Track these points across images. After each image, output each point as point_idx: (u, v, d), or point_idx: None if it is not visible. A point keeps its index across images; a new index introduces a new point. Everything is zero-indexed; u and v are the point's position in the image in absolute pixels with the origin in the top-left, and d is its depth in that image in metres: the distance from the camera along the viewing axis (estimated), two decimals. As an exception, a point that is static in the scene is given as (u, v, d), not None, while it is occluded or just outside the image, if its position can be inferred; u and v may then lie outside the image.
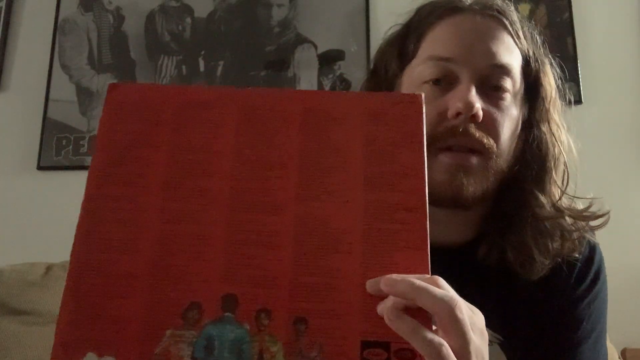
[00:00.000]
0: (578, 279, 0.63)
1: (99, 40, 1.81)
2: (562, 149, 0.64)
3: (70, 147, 1.71)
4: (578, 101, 1.61)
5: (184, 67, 1.76)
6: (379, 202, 0.46)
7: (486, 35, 0.60)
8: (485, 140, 0.59)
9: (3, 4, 1.84)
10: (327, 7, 1.75)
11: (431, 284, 0.41)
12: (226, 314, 0.43)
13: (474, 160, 0.58)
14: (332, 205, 0.46)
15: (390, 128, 0.48)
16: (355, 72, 1.66)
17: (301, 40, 1.74)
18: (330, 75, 1.71)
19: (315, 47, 1.73)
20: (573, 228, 0.63)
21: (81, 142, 1.71)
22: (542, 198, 0.62)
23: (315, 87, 1.70)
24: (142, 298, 0.43)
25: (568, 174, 0.64)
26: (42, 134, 1.72)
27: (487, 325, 0.60)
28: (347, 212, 0.45)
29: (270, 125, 0.48)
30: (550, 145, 0.63)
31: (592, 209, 0.64)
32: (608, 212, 0.63)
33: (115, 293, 0.43)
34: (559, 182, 0.64)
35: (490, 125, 0.59)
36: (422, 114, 0.48)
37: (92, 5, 1.83)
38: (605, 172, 1.59)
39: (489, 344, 0.59)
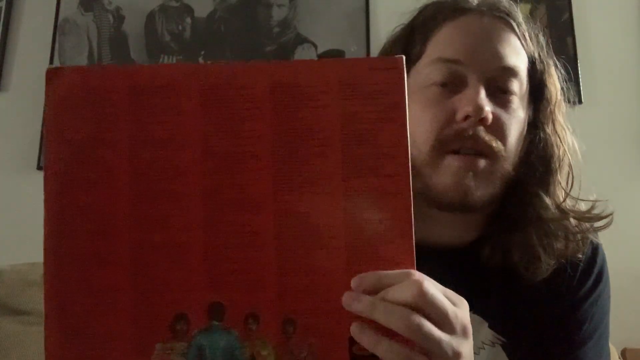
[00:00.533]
0: (580, 280, 0.63)
1: (99, 40, 1.81)
2: (567, 150, 0.64)
3: (70, 147, 1.71)
4: (578, 101, 1.61)
5: (184, 67, 1.76)
6: (360, 189, 0.43)
7: (494, 37, 0.60)
8: (494, 144, 0.58)
9: (3, 4, 1.84)
10: (327, 7, 1.75)
11: (401, 280, 0.41)
12: (214, 322, 0.42)
13: (482, 163, 0.58)
14: (312, 198, 0.43)
15: (368, 101, 0.43)
16: (355, 72, 1.66)
17: (301, 40, 1.74)
18: (330, 75, 1.70)
19: (315, 47, 1.73)
20: (577, 229, 0.63)
21: (81, 142, 1.71)
22: (547, 200, 0.61)
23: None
24: (127, 313, 0.42)
25: (573, 175, 0.64)
26: (42, 134, 1.72)
27: (490, 326, 0.60)
28: (328, 204, 0.43)
29: (237, 108, 0.43)
30: (555, 147, 0.63)
31: (595, 211, 0.64)
32: (612, 214, 0.63)
33: (99, 310, 0.42)
34: (564, 184, 0.63)
35: (498, 129, 0.58)
36: (403, 81, 0.44)
37: (92, 5, 1.83)
38: (605, 172, 1.58)
39: (491, 346, 0.60)
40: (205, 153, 0.43)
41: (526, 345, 0.61)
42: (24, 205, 1.73)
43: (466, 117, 0.57)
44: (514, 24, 0.62)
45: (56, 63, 1.78)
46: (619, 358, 1.24)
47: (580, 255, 0.63)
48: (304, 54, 1.73)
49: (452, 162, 0.58)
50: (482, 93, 0.57)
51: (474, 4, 0.63)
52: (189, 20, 1.80)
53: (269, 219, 0.43)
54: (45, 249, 0.42)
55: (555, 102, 0.64)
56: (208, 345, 0.42)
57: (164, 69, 0.47)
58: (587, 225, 0.63)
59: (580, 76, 1.62)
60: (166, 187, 0.43)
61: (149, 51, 1.78)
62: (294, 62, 0.40)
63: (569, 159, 0.64)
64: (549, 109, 0.63)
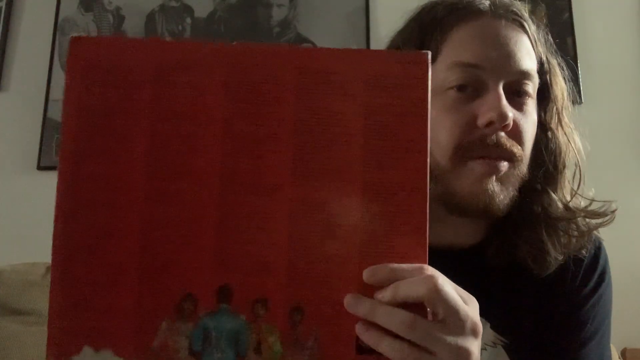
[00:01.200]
0: (583, 280, 0.64)
1: (99, 40, 1.81)
2: (574, 149, 0.64)
3: (70, 147, 1.71)
4: (578, 101, 1.61)
5: (184, 67, 1.76)
6: (378, 181, 0.43)
7: (511, 40, 0.60)
8: (515, 150, 0.58)
9: (3, 4, 1.84)
10: (327, 7, 1.75)
11: (414, 274, 0.41)
12: (222, 305, 0.41)
13: (504, 168, 0.58)
14: (330, 186, 0.42)
15: (393, 95, 0.43)
16: (355, 72, 1.66)
17: (301, 40, 1.74)
18: (330, 75, 1.70)
19: (315, 47, 1.73)
20: (584, 227, 0.63)
21: (81, 142, 1.71)
22: (555, 198, 0.62)
23: (315, 87, 1.70)
24: (133, 288, 0.41)
25: (581, 174, 0.65)
26: (42, 134, 1.72)
27: (492, 327, 0.61)
28: (345, 194, 0.42)
29: (261, 90, 0.43)
30: (563, 146, 0.64)
31: (600, 208, 0.64)
32: (616, 210, 0.64)
33: (104, 282, 0.41)
34: (571, 183, 0.64)
35: (518, 134, 0.59)
36: (427, 77, 0.44)
37: (92, 5, 1.83)
38: (605, 172, 1.58)
39: (493, 346, 0.60)
40: (225, 132, 0.43)
41: (528, 345, 0.61)
42: (24, 205, 1.73)
43: (489, 124, 0.57)
44: (526, 26, 0.62)
45: (56, 63, 1.78)
46: (619, 358, 1.24)
47: (584, 252, 0.63)
48: (304, 54, 1.73)
49: (475, 168, 0.57)
50: (504, 99, 0.57)
51: (487, 6, 0.62)
52: (189, 20, 1.80)
53: (284, 204, 0.42)
54: (55, 218, 0.42)
55: (562, 102, 0.64)
56: (214, 327, 0.41)
57: (191, 47, 0.45)
58: (593, 222, 0.64)
59: (580, 76, 1.62)
60: (183, 162, 0.42)
61: (149, 51, 1.78)
62: (322, 48, 0.39)
63: (576, 158, 0.64)
64: (555, 108, 0.64)
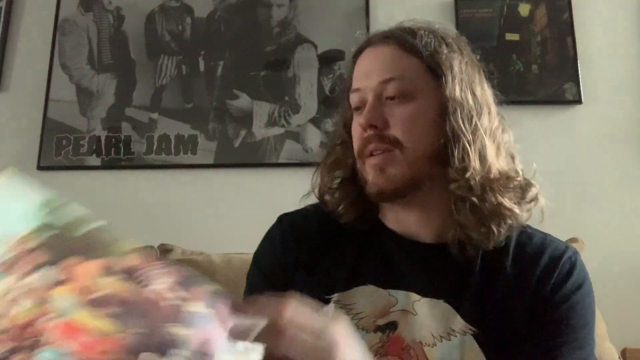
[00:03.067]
0: (555, 286, 0.68)
1: (99, 40, 1.81)
2: (477, 129, 0.72)
3: (70, 147, 1.71)
4: (578, 101, 1.61)
5: (184, 67, 1.76)
6: None
7: (379, 59, 0.75)
8: (389, 141, 0.72)
9: (3, 4, 1.84)
10: (327, 7, 1.76)
11: None
12: None
13: (385, 158, 0.72)
14: None
15: None
16: (355, 72, 1.67)
17: (301, 40, 1.74)
18: (330, 75, 1.71)
19: (315, 47, 1.73)
20: (506, 193, 0.70)
21: (81, 142, 1.71)
22: (464, 176, 0.69)
23: (315, 87, 1.70)
24: None
25: (484, 152, 0.72)
26: (42, 134, 1.72)
27: (463, 316, 0.67)
28: None
29: None
30: (464, 128, 0.71)
31: (516, 177, 0.72)
32: (524, 176, 0.72)
33: None
34: (480, 159, 0.70)
35: (393, 128, 0.72)
36: None
37: (92, 5, 1.83)
38: (604, 171, 1.58)
39: (463, 334, 0.66)
40: None
41: (497, 336, 0.65)
42: (24, 205, 1.73)
43: (365, 129, 0.73)
44: (398, 42, 0.75)
45: (56, 63, 1.78)
46: (619, 358, 1.24)
47: (525, 219, 0.71)
48: (304, 53, 1.73)
49: (368, 164, 0.73)
50: (370, 109, 0.73)
51: (370, 38, 0.78)
52: (189, 20, 1.80)
53: None
54: None
55: (456, 88, 0.73)
56: None
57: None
58: (513, 195, 0.70)
59: (580, 76, 1.62)
60: None
61: (149, 51, 1.79)
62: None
63: (475, 137, 0.71)
64: (452, 95, 0.73)
